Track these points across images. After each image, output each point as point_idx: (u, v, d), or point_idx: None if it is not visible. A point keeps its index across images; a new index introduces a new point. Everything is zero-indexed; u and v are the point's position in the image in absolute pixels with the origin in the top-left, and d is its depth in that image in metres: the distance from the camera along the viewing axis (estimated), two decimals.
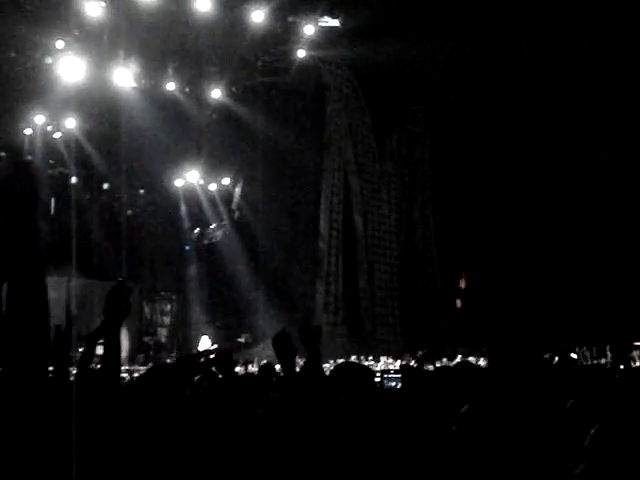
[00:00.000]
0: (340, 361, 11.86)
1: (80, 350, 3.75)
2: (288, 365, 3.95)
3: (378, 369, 11.15)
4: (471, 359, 11.58)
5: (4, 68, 13.67)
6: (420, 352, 10.67)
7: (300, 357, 4.30)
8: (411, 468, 2.74)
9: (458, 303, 13.83)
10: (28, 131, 15.30)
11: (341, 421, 3.10)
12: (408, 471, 2.74)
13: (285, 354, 3.94)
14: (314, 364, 3.81)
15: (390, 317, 16.17)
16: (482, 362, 11.35)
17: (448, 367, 4.49)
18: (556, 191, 14.39)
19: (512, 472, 2.59)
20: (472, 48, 13.98)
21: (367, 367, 3.74)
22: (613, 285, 13.79)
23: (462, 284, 13.93)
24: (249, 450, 3.02)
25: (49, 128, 15.38)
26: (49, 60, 13.80)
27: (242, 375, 4.78)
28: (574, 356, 11.15)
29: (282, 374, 4.08)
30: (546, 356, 7.57)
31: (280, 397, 3.69)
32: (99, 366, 3.67)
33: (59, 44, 13.54)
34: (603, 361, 11.04)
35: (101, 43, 13.79)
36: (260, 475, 2.92)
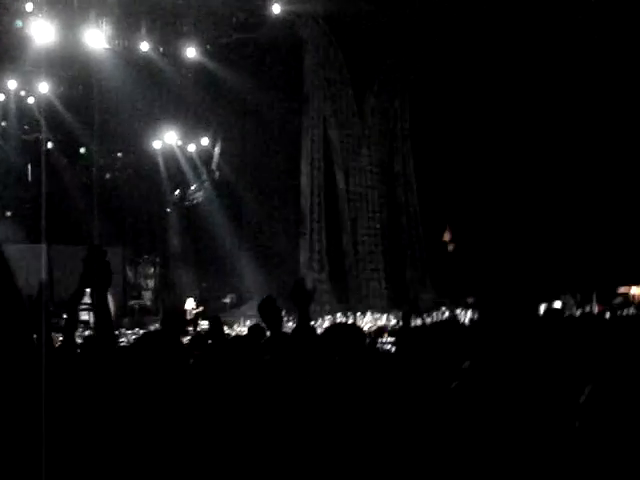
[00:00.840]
0: (327, 317, 11.89)
1: (64, 317, 3.70)
2: (276, 329, 3.94)
3: (365, 325, 11.17)
4: (457, 312, 11.63)
5: None
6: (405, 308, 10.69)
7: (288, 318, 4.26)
8: (411, 428, 2.71)
9: (450, 247, 13.81)
10: (0, 96, 15.07)
11: (336, 382, 3.07)
12: (408, 431, 2.72)
13: (272, 319, 3.92)
14: (305, 325, 3.78)
15: (374, 272, 16.18)
16: (468, 315, 11.39)
17: (437, 324, 4.47)
18: (536, 136, 14.34)
19: (513, 429, 2.57)
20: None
21: (359, 328, 3.71)
22: (597, 228, 13.82)
23: (447, 237, 13.91)
24: (250, 413, 2.99)
25: (22, 93, 15.14)
26: (19, 23, 13.51)
27: (231, 338, 4.74)
28: (558, 303, 11.18)
29: (270, 336, 4.06)
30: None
31: (273, 359, 3.66)
32: (86, 332, 3.60)
33: (28, 6, 13.24)
34: (588, 309, 11.06)
35: (72, 4, 13.51)
36: (260, 439, 2.89)
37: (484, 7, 13.65)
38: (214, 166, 16.85)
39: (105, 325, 3.03)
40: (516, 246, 13.69)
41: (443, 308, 12.34)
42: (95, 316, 3.07)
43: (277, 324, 3.89)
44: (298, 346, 3.79)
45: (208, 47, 15.33)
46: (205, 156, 16.90)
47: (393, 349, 4.97)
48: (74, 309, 3.44)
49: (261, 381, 3.49)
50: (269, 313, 3.82)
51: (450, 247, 13.88)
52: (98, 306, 3.00)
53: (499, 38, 14.09)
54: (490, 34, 14.08)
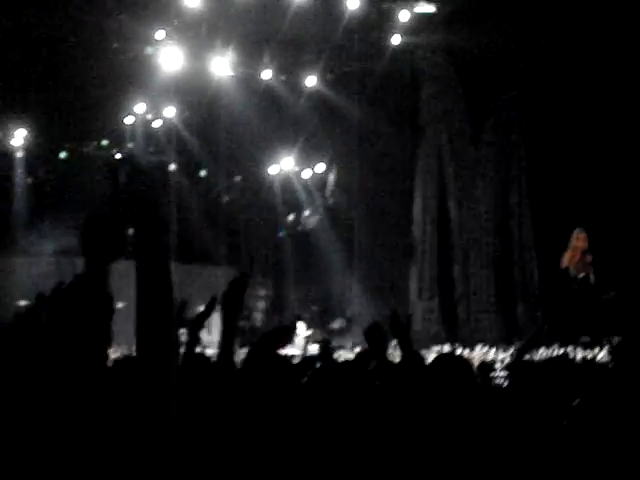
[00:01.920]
0: (435, 348, 11.87)
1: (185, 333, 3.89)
2: (381, 355, 4.03)
3: (473, 357, 11.10)
4: (570, 349, 11.42)
5: (107, 59, 14.11)
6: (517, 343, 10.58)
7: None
8: (519, 464, 2.76)
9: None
10: (129, 120, 15.76)
11: (442, 414, 3.14)
12: (516, 467, 2.77)
13: (378, 345, 4.01)
14: (409, 353, 3.85)
15: (486, 304, 16.03)
16: (579, 353, 11.16)
17: (550, 360, 4.47)
18: None
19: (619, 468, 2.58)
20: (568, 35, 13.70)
21: (467, 360, 3.76)
22: None
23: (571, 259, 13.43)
24: (357, 436, 3.09)
25: (149, 117, 15.80)
26: (150, 50, 14.18)
27: (340, 362, 4.87)
28: None
29: (377, 363, 4.15)
30: None
31: (382, 385, 3.76)
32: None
33: (159, 34, 13.89)
34: None
35: (199, 33, 14.10)
36: (366, 458, 2.98)
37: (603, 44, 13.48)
38: (328, 193, 17.10)
39: (229, 345, 3.20)
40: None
41: (555, 346, 12.10)
42: (222, 337, 3.23)
43: (383, 350, 3.98)
44: (406, 374, 3.88)
45: (328, 76, 15.66)
46: (320, 183, 17.18)
47: (505, 383, 4.98)
48: (198, 328, 3.63)
49: (369, 406, 3.60)
50: (375, 339, 3.92)
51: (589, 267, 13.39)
52: (227, 328, 3.16)
53: (616, 78, 13.89)
54: (609, 73, 13.89)
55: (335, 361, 4.60)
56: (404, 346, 3.82)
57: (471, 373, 3.38)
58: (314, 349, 13.52)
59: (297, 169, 17.04)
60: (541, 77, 14.97)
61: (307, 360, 4.76)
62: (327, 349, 4.80)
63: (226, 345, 3.16)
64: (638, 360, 4.11)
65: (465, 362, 3.49)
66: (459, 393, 3.13)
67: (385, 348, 4.04)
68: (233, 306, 3.15)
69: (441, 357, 3.58)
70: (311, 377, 3.83)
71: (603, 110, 14.25)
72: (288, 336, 3.64)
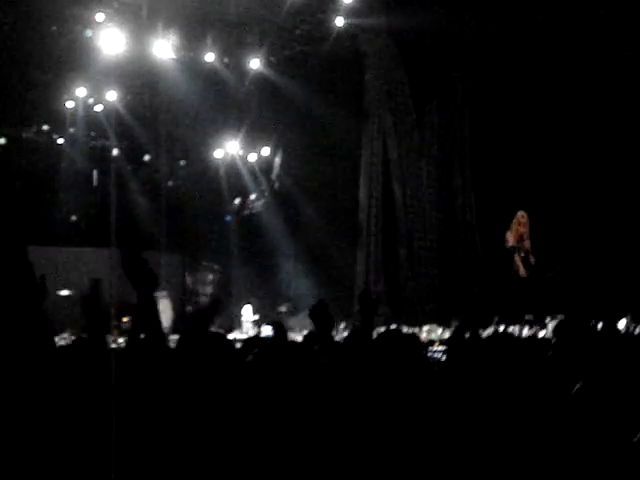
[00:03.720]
0: (382, 329, 11.94)
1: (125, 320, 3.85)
2: (326, 334, 4.03)
3: (422, 338, 11.19)
4: (511, 328, 11.58)
5: (46, 42, 13.83)
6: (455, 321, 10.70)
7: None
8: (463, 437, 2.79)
9: (521, 271, 13.66)
10: (70, 104, 15.49)
11: (388, 386, 3.15)
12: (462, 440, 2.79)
13: (323, 323, 4.02)
14: (366, 333, 3.86)
15: (430, 286, 16.17)
16: (525, 331, 11.32)
17: (491, 337, 4.52)
18: (599, 156, 14.25)
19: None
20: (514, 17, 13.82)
21: (414, 335, 3.79)
22: None
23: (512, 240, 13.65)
24: (302, 414, 3.09)
25: (90, 101, 15.54)
26: (89, 33, 13.92)
27: (287, 342, 4.85)
28: (622, 323, 11.01)
29: (322, 342, 4.15)
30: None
31: (328, 363, 3.76)
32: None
33: (99, 17, 13.65)
34: None
35: (140, 15, 13.88)
36: (311, 436, 2.98)
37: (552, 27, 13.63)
38: (274, 176, 17.06)
39: (154, 326, 3.14)
40: (582, 264, 13.62)
41: (496, 322, 12.26)
42: (144, 319, 3.18)
43: (328, 329, 3.99)
44: (353, 350, 3.88)
45: (271, 59, 15.58)
46: (266, 166, 17.12)
47: (443, 358, 5.04)
48: (139, 313, 3.58)
49: (315, 384, 3.59)
50: (320, 318, 3.92)
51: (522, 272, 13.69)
52: (144, 307, 3.11)
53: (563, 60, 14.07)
54: (556, 55, 14.06)
55: (286, 341, 4.58)
56: (367, 323, 3.84)
57: (417, 347, 3.40)
58: (267, 330, 13.54)
59: (243, 153, 16.95)
60: (485, 59, 15.09)
61: (253, 340, 4.73)
62: (281, 330, 4.77)
63: (151, 327, 3.11)
64: (579, 336, 4.19)
65: (409, 337, 3.51)
66: (404, 367, 3.15)
67: (331, 327, 4.04)
68: (140, 285, 3.07)
69: (387, 333, 3.60)
70: (256, 356, 3.81)
71: (547, 92, 14.43)
72: (212, 314, 3.60)
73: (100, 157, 16.20)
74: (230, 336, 12.11)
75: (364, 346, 3.93)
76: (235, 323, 15.61)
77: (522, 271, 13.67)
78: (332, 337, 4.04)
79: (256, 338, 4.98)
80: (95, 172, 16.39)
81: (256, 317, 15.22)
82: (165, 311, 15.05)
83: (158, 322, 3.16)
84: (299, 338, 8.89)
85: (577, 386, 2.95)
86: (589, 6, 13.47)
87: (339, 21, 14.96)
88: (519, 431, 2.70)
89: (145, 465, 2.78)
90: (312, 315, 3.95)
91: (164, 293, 15.20)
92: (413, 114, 16.57)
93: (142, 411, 2.96)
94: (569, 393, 2.93)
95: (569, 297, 12.37)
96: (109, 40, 13.69)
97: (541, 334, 10.68)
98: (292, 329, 13.56)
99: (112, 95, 15.35)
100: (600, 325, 5.47)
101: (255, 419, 3.25)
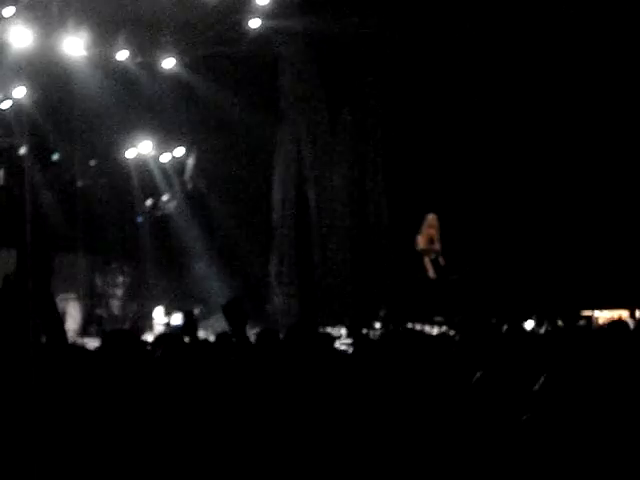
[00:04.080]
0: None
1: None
2: (240, 332, 4.02)
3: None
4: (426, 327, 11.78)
5: None
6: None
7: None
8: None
9: (431, 273, 13.94)
10: None
11: (298, 383, 3.17)
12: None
13: (237, 321, 4.01)
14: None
15: (342, 287, 16.31)
16: (435, 330, 11.53)
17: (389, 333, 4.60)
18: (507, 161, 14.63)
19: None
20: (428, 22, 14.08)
21: (324, 333, 3.82)
22: (561, 253, 14.08)
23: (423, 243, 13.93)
24: (215, 413, 3.09)
25: None
26: None
27: (200, 341, 4.84)
28: (530, 324, 11.34)
29: (235, 339, 4.14)
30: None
31: (238, 360, 3.77)
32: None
33: (7, 11, 13.30)
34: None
35: (51, 10, 13.59)
36: (230, 439, 2.99)
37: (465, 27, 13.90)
38: (187, 177, 16.93)
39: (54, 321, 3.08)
40: (490, 267, 13.93)
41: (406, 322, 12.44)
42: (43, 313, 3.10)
43: (242, 326, 3.99)
44: (262, 348, 3.89)
45: (185, 59, 15.47)
46: (178, 167, 16.98)
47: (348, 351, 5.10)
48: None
49: (227, 381, 3.59)
50: (234, 314, 3.92)
51: (431, 273, 13.97)
52: (41, 301, 3.04)
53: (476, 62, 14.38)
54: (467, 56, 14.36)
55: (196, 330, 4.55)
56: (240, 334, 3.84)
57: (326, 341, 3.44)
58: (177, 319, 13.51)
59: (155, 153, 16.76)
60: (397, 63, 15.31)
61: (163, 336, 4.70)
62: (190, 319, 4.75)
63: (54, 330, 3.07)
64: (480, 334, 4.32)
65: (317, 333, 3.55)
66: (313, 361, 3.18)
67: (244, 323, 4.03)
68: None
69: (293, 328, 3.62)
70: (165, 352, 3.79)
71: (458, 96, 14.72)
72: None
73: (7, 156, 15.78)
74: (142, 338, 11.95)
75: (274, 343, 3.94)
76: (146, 325, 15.42)
77: (431, 273, 13.95)
78: (246, 334, 4.04)
79: (166, 335, 4.94)
80: (1, 171, 15.96)
81: (167, 319, 15.07)
82: (73, 313, 14.78)
83: (61, 323, 3.11)
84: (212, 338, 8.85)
85: (477, 375, 3.04)
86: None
87: (254, 23, 14.95)
88: (422, 417, 2.76)
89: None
90: (226, 311, 3.95)
91: (72, 295, 14.92)
92: (327, 117, 16.69)
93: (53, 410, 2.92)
94: (469, 382, 3.02)
95: (472, 299, 12.68)
96: (18, 35, 13.34)
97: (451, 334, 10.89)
98: (205, 331, 13.50)
99: (20, 92, 14.96)
100: (505, 325, 5.64)
101: (165, 415, 3.23)
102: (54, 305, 3.03)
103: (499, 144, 14.59)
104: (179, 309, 14.55)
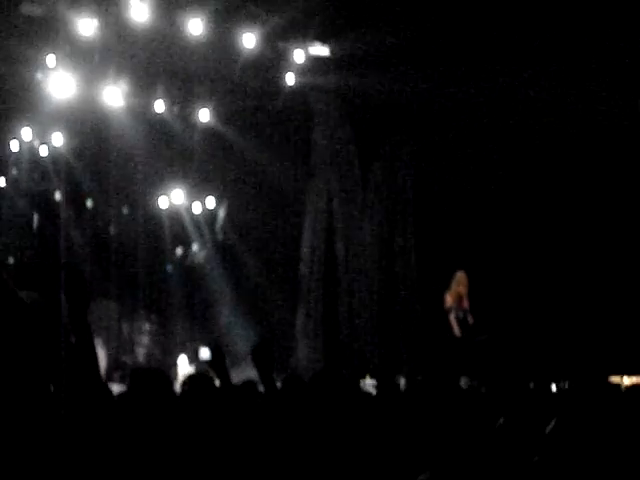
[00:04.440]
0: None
1: None
2: (268, 375, 3.97)
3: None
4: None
5: None
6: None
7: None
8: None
9: (457, 331, 13.87)
10: (15, 147, 15.37)
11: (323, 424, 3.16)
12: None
13: (265, 364, 3.97)
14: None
15: (368, 343, 16.23)
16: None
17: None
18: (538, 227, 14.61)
19: None
20: (459, 80, 14.21)
21: (343, 375, 3.80)
22: (587, 319, 13.95)
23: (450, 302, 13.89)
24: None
25: (35, 143, 15.44)
26: (39, 76, 13.88)
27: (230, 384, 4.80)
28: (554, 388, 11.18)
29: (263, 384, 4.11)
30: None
31: (265, 406, 3.75)
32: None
33: (50, 60, 13.63)
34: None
35: (92, 61, 13.90)
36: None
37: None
38: (218, 228, 17.05)
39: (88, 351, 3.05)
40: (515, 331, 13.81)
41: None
42: (76, 340, 3.05)
43: (270, 369, 3.96)
44: (288, 393, 3.87)
45: (220, 111, 15.70)
46: (210, 218, 17.12)
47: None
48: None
49: (255, 425, 3.58)
50: (263, 356, 3.90)
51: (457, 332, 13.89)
52: (79, 329, 2.98)
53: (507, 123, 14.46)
54: (500, 119, 14.46)
55: (225, 365, 4.49)
56: (267, 380, 3.81)
57: (346, 384, 3.42)
58: (205, 353, 13.48)
59: (187, 202, 16.93)
60: (430, 120, 15.43)
61: (193, 377, 4.68)
62: (219, 352, 4.69)
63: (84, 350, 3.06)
64: (507, 390, 4.27)
65: (342, 376, 3.53)
66: (339, 405, 3.17)
67: (272, 367, 4.01)
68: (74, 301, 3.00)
69: (319, 374, 3.60)
70: (192, 394, 3.79)
71: (491, 155, 14.79)
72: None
73: (42, 201, 16.03)
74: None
75: (300, 388, 3.93)
76: (171, 373, 15.40)
77: (457, 331, 13.84)
78: (274, 378, 4.02)
79: (195, 376, 4.92)
80: (36, 216, 16.20)
81: (192, 368, 15.03)
82: (99, 359, 14.80)
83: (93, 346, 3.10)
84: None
85: (499, 421, 3.02)
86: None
87: (290, 78, 15.19)
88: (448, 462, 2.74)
89: None
90: (255, 352, 3.93)
91: (98, 340, 14.96)
92: (358, 173, 16.80)
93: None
94: (492, 428, 3.00)
95: (499, 359, 12.54)
96: (59, 83, 13.65)
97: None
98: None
99: (58, 139, 15.26)
100: (532, 384, 5.58)
101: (191, 457, 3.23)
102: (91, 337, 3.02)
103: (533, 204, 14.60)
104: (207, 344, 14.59)
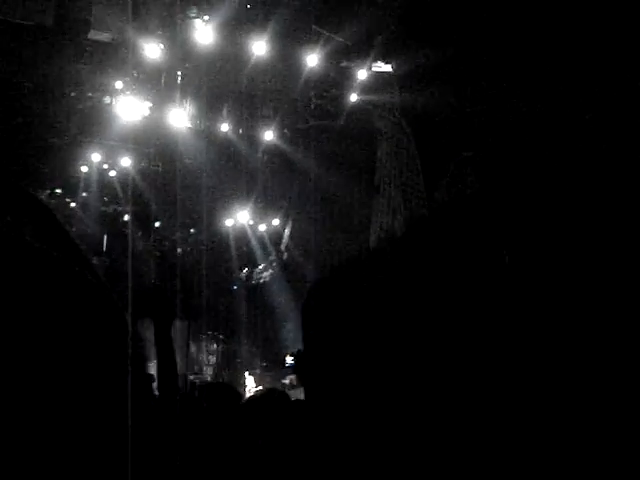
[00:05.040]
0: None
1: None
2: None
3: None
4: None
5: (65, 107, 14.08)
6: None
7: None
8: None
9: None
10: (84, 168, 15.69)
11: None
12: None
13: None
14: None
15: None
16: None
17: None
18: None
19: None
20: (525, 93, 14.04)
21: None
22: None
23: None
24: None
25: (104, 166, 15.74)
26: (108, 99, 14.18)
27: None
28: None
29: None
30: None
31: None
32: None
33: (118, 84, 13.92)
34: None
35: (159, 84, 14.15)
36: None
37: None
38: (283, 247, 17.12)
39: (170, 364, 3.09)
40: None
41: None
42: (158, 353, 3.08)
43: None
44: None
45: (285, 131, 15.80)
46: (275, 237, 17.20)
47: None
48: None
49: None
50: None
51: None
52: (162, 342, 3.02)
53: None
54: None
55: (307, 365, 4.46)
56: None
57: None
58: (289, 361, 13.73)
59: (252, 222, 17.05)
60: (497, 136, 15.26)
61: (271, 391, 4.68)
62: (301, 358, 4.63)
63: (166, 362, 3.07)
64: None
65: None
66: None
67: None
68: (159, 316, 3.03)
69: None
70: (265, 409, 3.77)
71: (559, 174, 14.53)
72: None
73: (111, 222, 16.32)
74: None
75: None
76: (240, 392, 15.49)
77: None
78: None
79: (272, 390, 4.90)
80: (105, 237, 16.49)
81: (259, 387, 15.09)
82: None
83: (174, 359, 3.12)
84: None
85: None
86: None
87: (353, 97, 15.21)
88: None
89: None
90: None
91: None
92: (423, 191, 16.69)
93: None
94: None
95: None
96: (127, 107, 13.93)
97: None
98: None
99: (126, 161, 15.54)
100: None
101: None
102: (173, 352, 3.03)
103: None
104: (290, 355, 14.77)
